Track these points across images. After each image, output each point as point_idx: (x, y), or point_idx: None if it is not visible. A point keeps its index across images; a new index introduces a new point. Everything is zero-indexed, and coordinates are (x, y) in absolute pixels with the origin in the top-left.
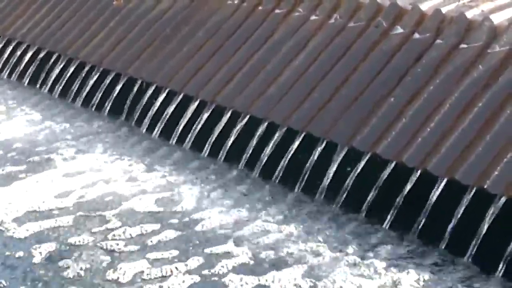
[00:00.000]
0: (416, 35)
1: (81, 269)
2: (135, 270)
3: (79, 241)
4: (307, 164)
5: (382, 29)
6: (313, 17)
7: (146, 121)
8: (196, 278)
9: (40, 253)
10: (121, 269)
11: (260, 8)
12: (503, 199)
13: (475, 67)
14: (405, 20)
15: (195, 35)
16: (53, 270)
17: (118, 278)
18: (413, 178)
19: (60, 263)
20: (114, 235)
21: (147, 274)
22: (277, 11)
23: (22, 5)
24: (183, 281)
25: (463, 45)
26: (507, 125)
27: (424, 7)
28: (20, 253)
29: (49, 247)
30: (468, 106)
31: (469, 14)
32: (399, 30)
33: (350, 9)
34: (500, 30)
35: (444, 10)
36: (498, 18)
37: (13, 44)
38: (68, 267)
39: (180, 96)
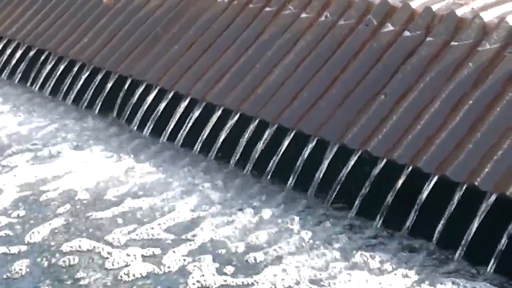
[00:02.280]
0: (407, 33)
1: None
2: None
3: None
4: (298, 162)
5: (372, 27)
6: (303, 15)
7: (137, 118)
8: None
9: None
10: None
11: (250, 6)
12: (493, 196)
13: (465, 65)
14: (395, 17)
15: (186, 33)
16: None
17: None
18: (404, 175)
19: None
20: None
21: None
22: (267, 9)
23: (12, 3)
24: None
25: (453, 43)
26: (497, 123)
27: (414, 4)
28: None
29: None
30: (458, 104)
31: (459, 12)
32: (389, 27)
33: (340, 7)
34: (490, 28)
35: (434, 7)
36: (488, 16)
37: (3, 42)
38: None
39: (171, 94)
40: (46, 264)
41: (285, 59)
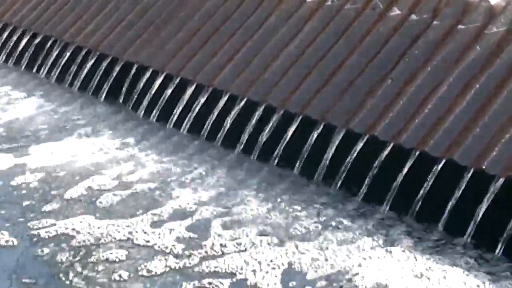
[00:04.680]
0: (413, 17)
1: None
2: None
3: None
4: (305, 147)
5: (378, 10)
6: (309, 0)
7: (143, 105)
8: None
9: None
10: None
11: None
12: (501, 180)
13: (472, 48)
14: (402, 1)
15: (192, 18)
16: None
17: None
18: (411, 160)
19: None
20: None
21: None
22: None
23: None
24: None
25: (460, 26)
26: (504, 106)
27: None
28: None
29: None
30: (465, 88)
31: None
32: (396, 11)
33: None
34: (497, 11)
35: None
36: None
37: (9, 29)
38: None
39: (177, 80)
40: None
41: (291, 44)
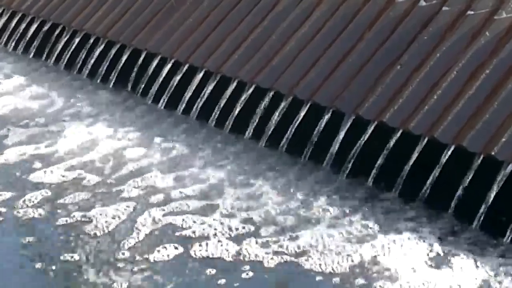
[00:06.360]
0: (422, 2)
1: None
2: None
3: None
4: (314, 134)
5: None
6: None
7: (152, 92)
8: None
9: None
10: None
11: None
12: (511, 166)
13: (482, 34)
14: None
15: (200, 5)
16: None
17: None
18: (420, 146)
19: None
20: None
21: None
22: None
23: None
24: None
25: (469, 12)
26: None
27: None
28: None
29: None
30: (475, 73)
31: None
32: None
33: None
34: None
35: None
36: None
37: (18, 16)
38: None
39: (186, 67)
40: None
41: (300, 30)
